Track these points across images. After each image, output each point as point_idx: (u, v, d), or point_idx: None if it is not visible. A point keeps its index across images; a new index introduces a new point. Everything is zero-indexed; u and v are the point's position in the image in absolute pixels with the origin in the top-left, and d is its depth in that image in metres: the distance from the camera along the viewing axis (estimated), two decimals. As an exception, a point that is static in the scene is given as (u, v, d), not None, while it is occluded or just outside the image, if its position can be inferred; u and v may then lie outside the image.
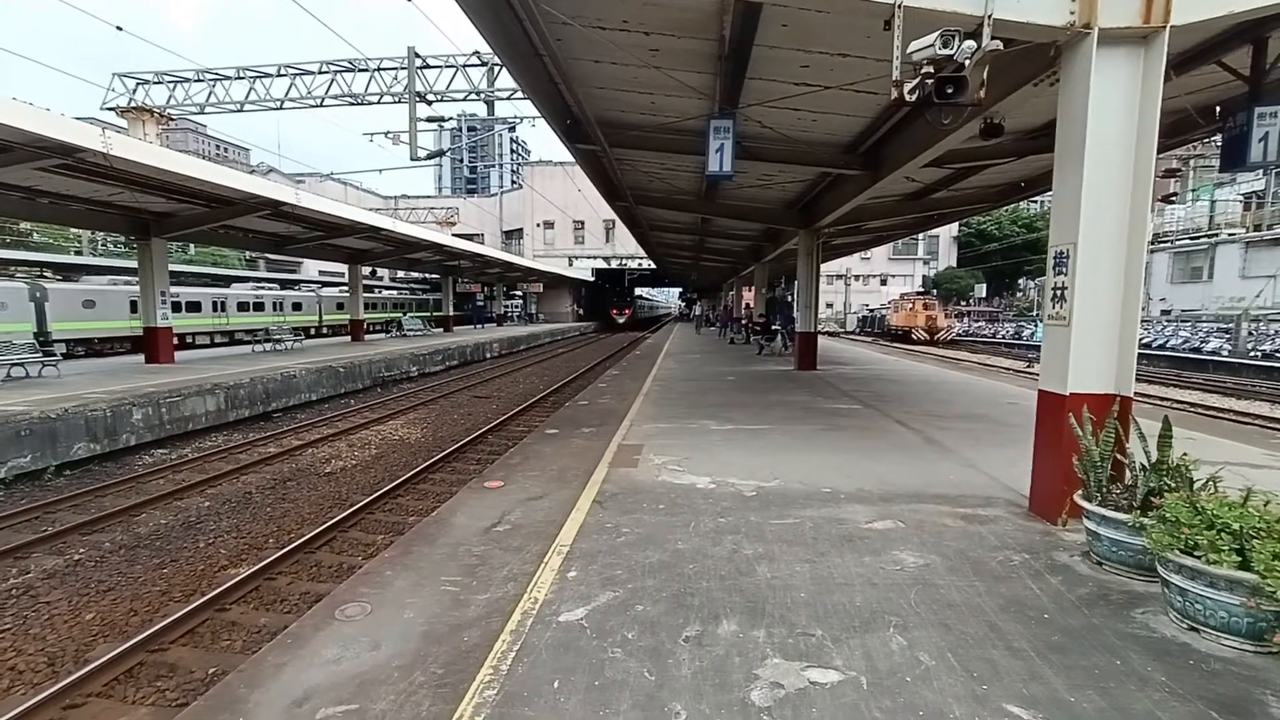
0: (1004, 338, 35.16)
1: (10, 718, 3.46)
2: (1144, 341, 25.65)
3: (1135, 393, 4.04)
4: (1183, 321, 28.59)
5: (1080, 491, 3.76)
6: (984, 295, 52.15)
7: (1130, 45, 4.05)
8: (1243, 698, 2.43)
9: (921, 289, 46.71)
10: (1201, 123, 7.84)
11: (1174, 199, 39.98)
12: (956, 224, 50.26)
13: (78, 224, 18.27)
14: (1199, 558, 2.85)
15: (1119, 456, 3.73)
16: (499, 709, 2.38)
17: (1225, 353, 21.66)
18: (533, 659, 2.71)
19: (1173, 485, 3.39)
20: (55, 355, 13.08)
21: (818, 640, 2.84)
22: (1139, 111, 4.04)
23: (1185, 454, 3.50)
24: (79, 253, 35.31)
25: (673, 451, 6.49)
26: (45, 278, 22.19)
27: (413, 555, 3.91)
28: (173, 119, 21.93)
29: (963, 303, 50.20)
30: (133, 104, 20.37)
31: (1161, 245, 36.25)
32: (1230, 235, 31.37)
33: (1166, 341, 25.21)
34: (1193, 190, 39.59)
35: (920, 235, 46.57)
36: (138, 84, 20.74)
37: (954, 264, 55.02)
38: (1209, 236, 33.02)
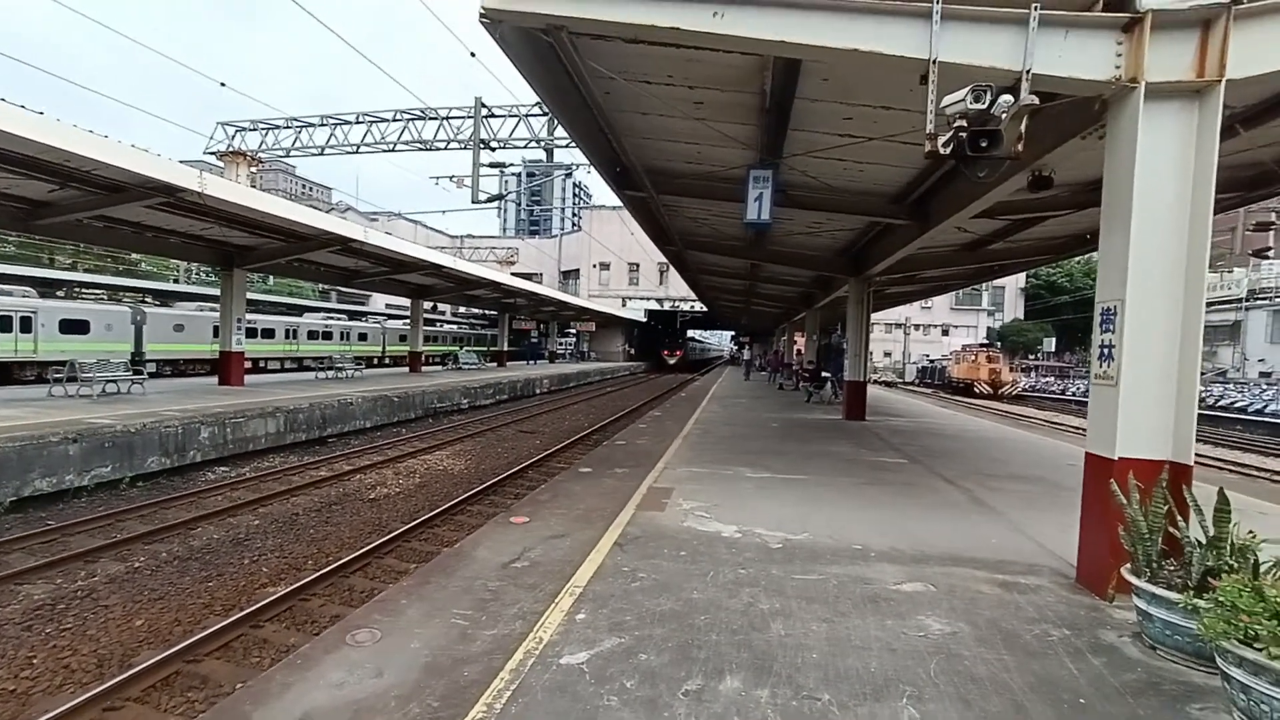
0: (1074, 394, 33.10)
1: (57, 715, 3.68)
2: (1238, 406, 23.64)
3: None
4: (1285, 384, 26.23)
5: (1128, 565, 3.47)
6: (1053, 349, 49.51)
7: (1182, 100, 3.91)
8: (1308, 816, 2.14)
9: (985, 340, 44.85)
10: (1285, 175, 7.39)
11: (1269, 253, 37.26)
12: (1023, 275, 48.36)
13: (174, 255, 20.10)
14: (1261, 650, 2.57)
15: (1172, 530, 3.43)
16: (486, 748, 2.38)
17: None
18: (527, 700, 2.69)
19: (1234, 565, 3.09)
20: (143, 374, 14.23)
21: (823, 705, 2.70)
22: (1194, 167, 3.87)
23: (1251, 531, 3.19)
24: (177, 281, 38.65)
25: (702, 497, 6.39)
26: (145, 303, 24.43)
27: (429, 586, 3.98)
28: (263, 162, 24.12)
29: (1030, 356, 47.80)
30: (230, 149, 22.60)
31: (1259, 302, 33.69)
32: (1338, 292, 28.84)
33: (1266, 406, 23.12)
34: (1291, 244, 36.85)
35: (984, 286, 45.05)
36: (236, 130, 23.10)
37: (1021, 316, 52.72)
38: (1313, 293, 30.44)
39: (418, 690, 2.77)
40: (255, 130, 22.93)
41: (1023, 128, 4.19)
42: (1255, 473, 13.62)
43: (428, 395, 18.42)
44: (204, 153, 22.95)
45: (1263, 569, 3.04)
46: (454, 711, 2.60)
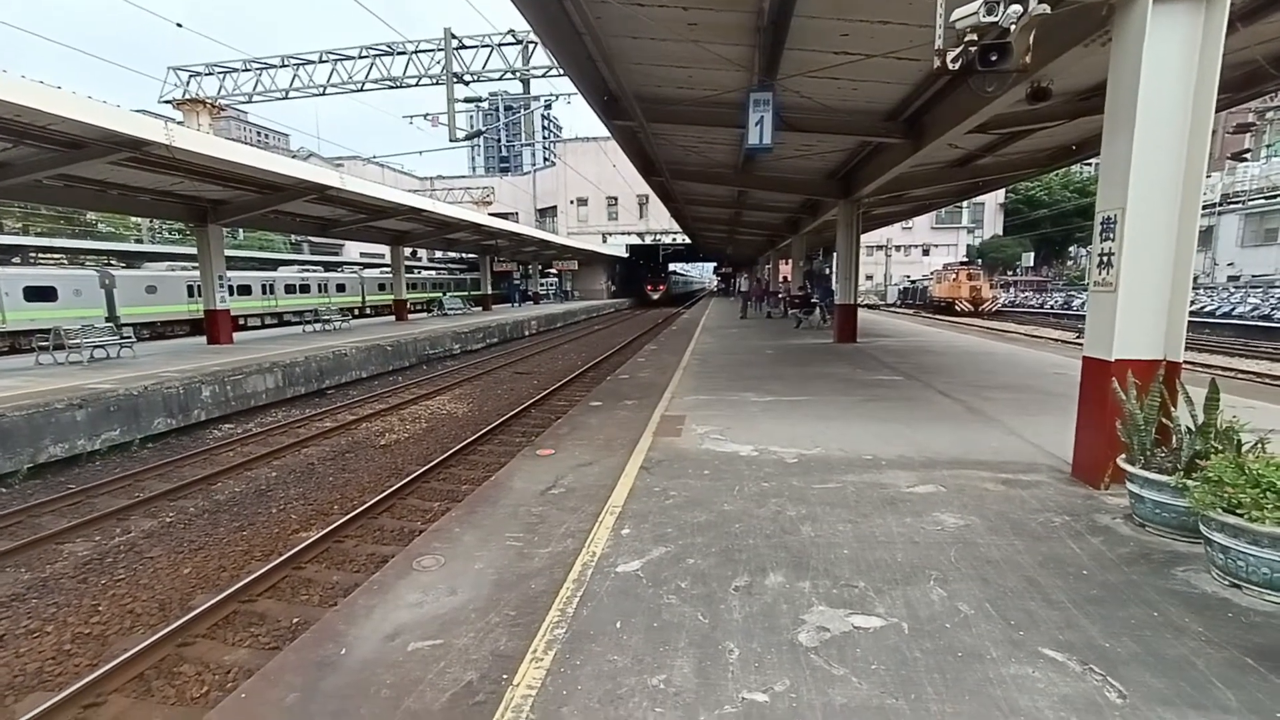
0: (1052, 308, 33.92)
1: (139, 650, 3.94)
2: (1208, 310, 24.42)
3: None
4: (1253, 287, 27.04)
5: (1123, 455, 3.80)
6: (1031, 264, 50.21)
7: (1189, 1, 3.93)
8: (1280, 647, 2.51)
9: (965, 259, 45.29)
10: (1275, 74, 7.42)
11: (1247, 156, 37.40)
12: (1002, 191, 48.26)
13: (143, 213, 19.31)
14: (1242, 515, 2.91)
15: (1164, 420, 3.74)
16: (569, 645, 2.65)
17: (1298, 320, 20.48)
18: (595, 603, 2.97)
19: (1219, 448, 3.41)
20: (131, 338, 13.99)
21: (861, 591, 3.02)
22: (1197, 70, 3.93)
23: (1234, 417, 3.50)
24: (139, 241, 37.13)
25: (714, 421, 6.67)
26: (112, 265, 23.56)
27: (477, 514, 4.22)
28: (223, 109, 22.78)
29: (1009, 272, 48.49)
30: (187, 96, 21.22)
31: (1232, 206, 34.04)
32: (1309, 194, 29.25)
33: (1234, 309, 23.93)
34: (1268, 145, 36.97)
35: (964, 203, 44.91)
36: (190, 76, 21.58)
37: (1000, 232, 53.01)
38: (1286, 196, 30.78)
39: (493, 603, 3.03)
40: (211, 75, 21.41)
41: (1030, 39, 4.18)
42: (1221, 372, 14.36)
43: (419, 342, 18.39)
44: (159, 101, 21.49)
45: (1244, 448, 3.37)
46: (531, 618, 2.87)
